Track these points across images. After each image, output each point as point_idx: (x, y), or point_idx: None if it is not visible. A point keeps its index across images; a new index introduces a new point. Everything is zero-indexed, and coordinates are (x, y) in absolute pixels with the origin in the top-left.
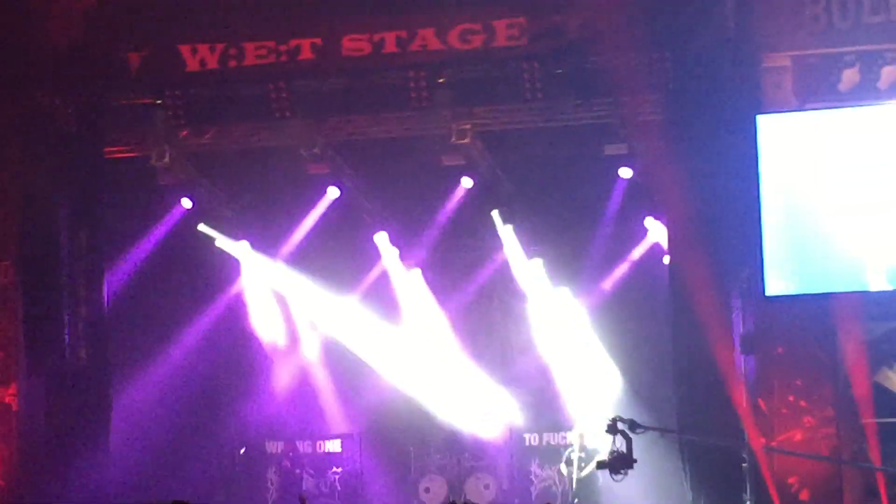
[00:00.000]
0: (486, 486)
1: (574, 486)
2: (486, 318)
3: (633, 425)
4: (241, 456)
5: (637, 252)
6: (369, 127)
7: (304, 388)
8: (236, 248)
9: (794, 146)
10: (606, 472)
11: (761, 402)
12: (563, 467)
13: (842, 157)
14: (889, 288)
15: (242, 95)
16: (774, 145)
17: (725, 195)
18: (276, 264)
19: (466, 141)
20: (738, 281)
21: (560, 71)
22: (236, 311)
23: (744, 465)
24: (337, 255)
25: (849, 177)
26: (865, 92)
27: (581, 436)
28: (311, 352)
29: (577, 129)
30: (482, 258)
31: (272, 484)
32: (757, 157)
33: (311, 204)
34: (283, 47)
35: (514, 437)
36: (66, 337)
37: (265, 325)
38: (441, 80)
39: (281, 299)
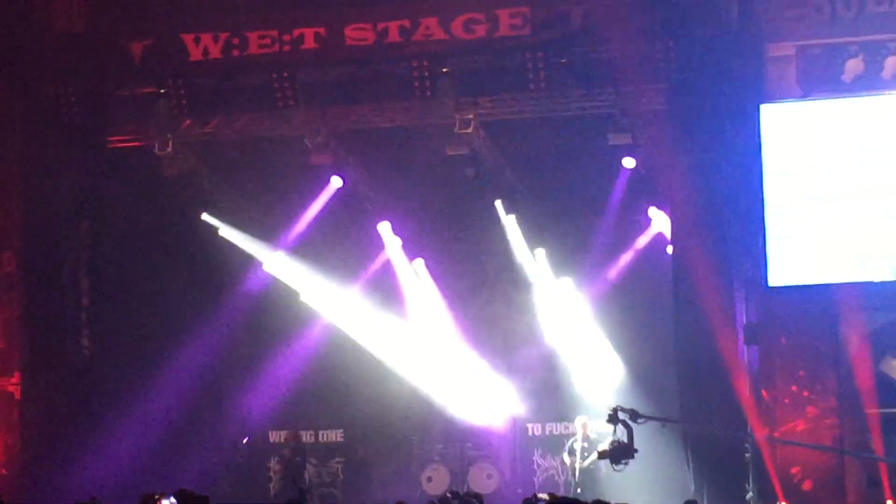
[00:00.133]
0: (489, 476)
1: (577, 475)
2: (489, 308)
3: (634, 415)
4: (244, 446)
5: (640, 242)
6: (373, 117)
7: (307, 378)
8: (239, 237)
9: (798, 136)
10: (608, 461)
11: (764, 393)
12: (565, 457)
13: (845, 147)
14: (892, 278)
15: (245, 85)
16: (778, 135)
17: (729, 185)
18: (279, 253)
19: (470, 130)
20: (741, 271)
21: (563, 61)
22: (239, 300)
23: (746, 455)
24: (340, 245)
25: (852, 167)
26: (869, 82)
27: (584, 425)
28: (313, 341)
29: (581, 119)
30: (485, 248)
31: (275, 473)
32: (760, 147)
33: (315, 193)
34: (286, 37)
35: (517, 426)
36: (69, 328)
37: (268, 315)
38: (445, 70)
39: (284, 288)
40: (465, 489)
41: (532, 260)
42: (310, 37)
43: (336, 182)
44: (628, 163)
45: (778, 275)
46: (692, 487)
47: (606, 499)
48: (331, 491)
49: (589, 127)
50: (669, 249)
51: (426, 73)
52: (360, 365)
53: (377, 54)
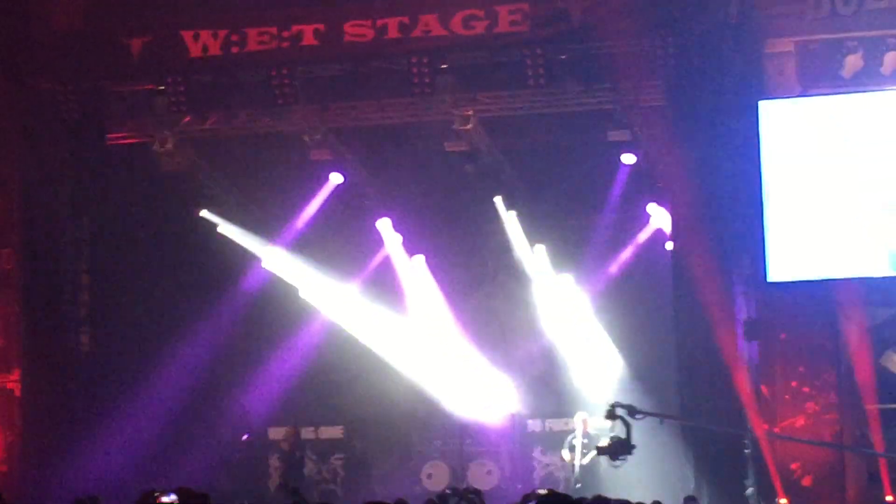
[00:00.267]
0: (489, 472)
1: (576, 471)
2: (489, 304)
3: (632, 411)
4: (243, 442)
5: (640, 238)
6: (372, 113)
7: (306, 375)
8: (239, 234)
9: (797, 132)
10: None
11: (764, 388)
12: (565, 453)
13: (844, 143)
14: (891, 273)
15: (245, 81)
16: (777, 131)
17: (728, 181)
18: (279, 250)
19: (469, 127)
20: (740, 267)
21: (563, 57)
22: (238, 297)
23: (746, 450)
24: (339, 242)
25: (851, 162)
26: (868, 78)
27: (584, 421)
28: (313, 338)
29: (580, 116)
30: (485, 244)
31: (275, 470)
32: (759, 143)
33: (314, 190)
34: (285, 33)
35: (517, 422)
36: (68, 324)
37: (268, 311)
38: (444, 66)
39: (283, 285)
40: (465, 485)
41: (531, 256)
42: (309, 33)
43: (335, 178)
44: (627, 159)
45: (777, 270)
46: (692, 483)
47: (606, 495)
48: (330, 487)
49: (588, 123)
50: (669, 245)
51: (425, 70)
52: (360, 361)
53: (376, 51)
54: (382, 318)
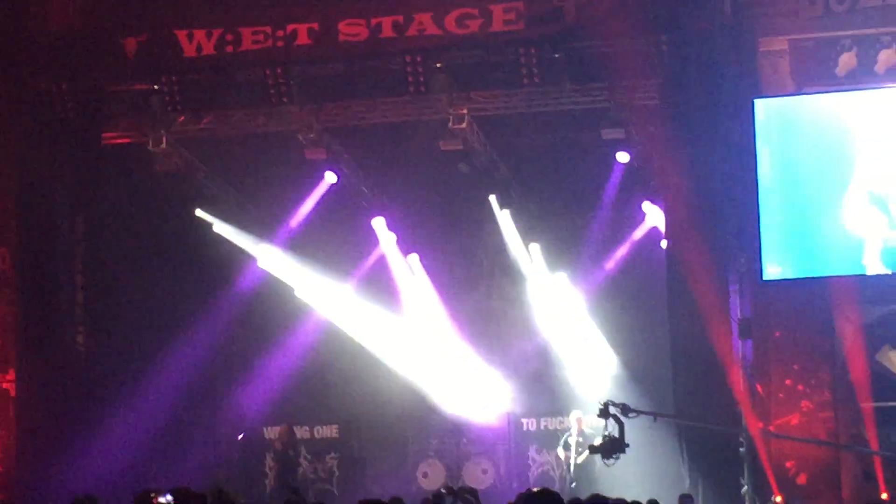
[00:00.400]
0: (484, 471)
1: (572, 470)
2: (484, 303)
3: (625, 409)
4: (239, 442)
5: (634, 236)
6: (367, 112)
7: (302, 374)
8: (234, 233)
9: (792, 130)
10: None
11: (759, 387)
12: (560, 452)
13: (839, 141)
14: (886, 271)
15: (239, 81)
16: (771, 129)
17: (723, 179)
18: (274, 249)
19: (464, 126)
20: (735, 265)
21: (557, 56)
22: (234, 296)
23: (741, 449)
24: (334, 241)
25: (846, 161)
26: (863, 76)
27: (578, 420)
28: (308, 337)
29: (575, 114)
30: (480, 243)
31: (270, 469)
32: (754, 141)
33: (309, 189)
34: (279, 33)
35: (512, 421)
36: (64, 323)
37: (263, 311)
38: (438, 65)
39: (278, 284)
40: (461, 484)
41: (526, 255)
42: (303, 33)
43: (330, 178)
44: (622, 157)
45: (772, 268)
46: (687, 482)
47: (602, 493)
48: (326, 487)
49: (583, 122)
50: (664, 244)
51: (420, 69)
52: (355, 360)
53: (371, 50)
54: (377, 317)
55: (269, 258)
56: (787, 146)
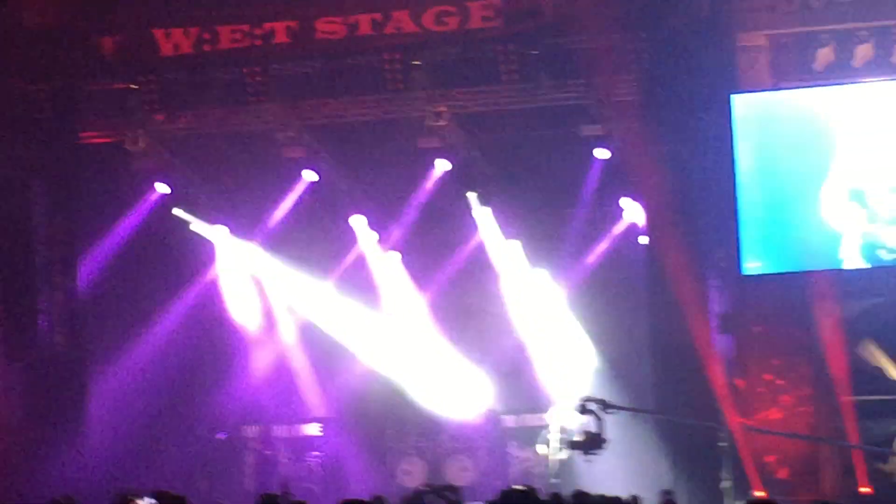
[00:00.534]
0: (465, 468)
1: (553, 466)
2: (464, 300)
3: (603, 405)
4: (219, 441)
5: (614, 232)
6: (345, 110)
7: (281, 372)
8: (212, 232)
9: (770, 125)
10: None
11: (738, 382)
12: (541, 448)
13: (817, 136)
14: (865, 266)
15: (217, 79)
16: (750, 124)
17: (701, 175)
18: (252, 248)
19: (442, 123)
20: (714, 260)
21: (535, 52)
22: (212, 295)
23: (722, 444)
24: (314, 239)
25: (824, 156)
26: (840, 71)
27: (559, 416)
28: (288, 335)
29: (553, 111)
30: (459, 240)
31: (249, 468)
32: (732, 137)
33: (288, 187)
34: (257, 31)
35: (492, 418)
36: (42, 323)
37: (241, 310)
38: (416, 63)
39: (257, 283)
40: (442, 482)
41: (506, 251)
42: (281, 31)
43: (309, 176)
44: (601, 153)
45: (751, 263)
46: (668, 477)
47: (584, 489)
48: (307, 485)
49: (561, 118)
50: (643, 239)
51: (398, 66)
52: (335, 358)
53: (349, 47)
54: (357, 314)
55: (248, 256)
56: (766, 141)
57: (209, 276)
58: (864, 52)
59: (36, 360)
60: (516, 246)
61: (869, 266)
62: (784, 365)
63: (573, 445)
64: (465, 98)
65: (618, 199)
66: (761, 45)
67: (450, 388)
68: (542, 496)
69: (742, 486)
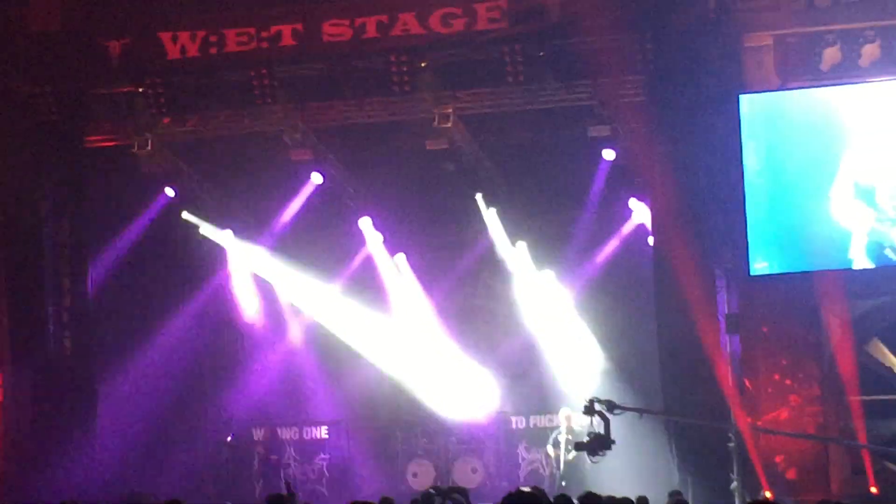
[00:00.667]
0: (474, 470)
1: (561, 468)
2: (471, 301)
3: (610, 406)
4: (228, 444)
5: (621, 233)
6: (352, 112)
7: (290, 375)
8: (220, 235)
9: (777, 125)
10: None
11: (747, 382)
12: (550, 449)
13: (824, 136)
14: (872, 265)
15: (224, 82)
16: (757, 124)
17: (709, 175)
18: (260, 251)
19: (449, 125)
20: (722, 260)
21: (541, 53)
22: (220, 299)
23: (730, 444)
24: (321, 241)
25: (831, 155)
26: (847, 70)
27: (567, 417)
28: (296, 338)
29: (560, 112)
30: (466, 242)
31: (259, 471)
32: (740, 137)
33: (295, 190)
34: (263, 33)
35: (501, 420)
36: (51, 327)
37: (249, 313)
38: (423, 65)
39: (265, 286)
40: (450, 484)
41: (513, 253)
42: (287, 33)
43: (316, 178)
44: (608, 154)
45: (759, 263)
46: (676, 478)
47: (592, 490)
48: (316, 488)
49: (568, 119)
50: (650, 240)
51: (404, 68)
52: (344, 361)
53: (355, 50)
54: (365, 317)
55: (256, 260)
56: (773, 141)
57: (217, 279)
58: (870, 51)
59: (44, 364)
60: (523, 247)
61: (876, 266)
62: (792, 365)
63: (580, 447)
64: (472, 99)
65: (625, 199)
66: (768, 45)
67: (457, 390)
68: (550, 498)
69: (751, 486)
